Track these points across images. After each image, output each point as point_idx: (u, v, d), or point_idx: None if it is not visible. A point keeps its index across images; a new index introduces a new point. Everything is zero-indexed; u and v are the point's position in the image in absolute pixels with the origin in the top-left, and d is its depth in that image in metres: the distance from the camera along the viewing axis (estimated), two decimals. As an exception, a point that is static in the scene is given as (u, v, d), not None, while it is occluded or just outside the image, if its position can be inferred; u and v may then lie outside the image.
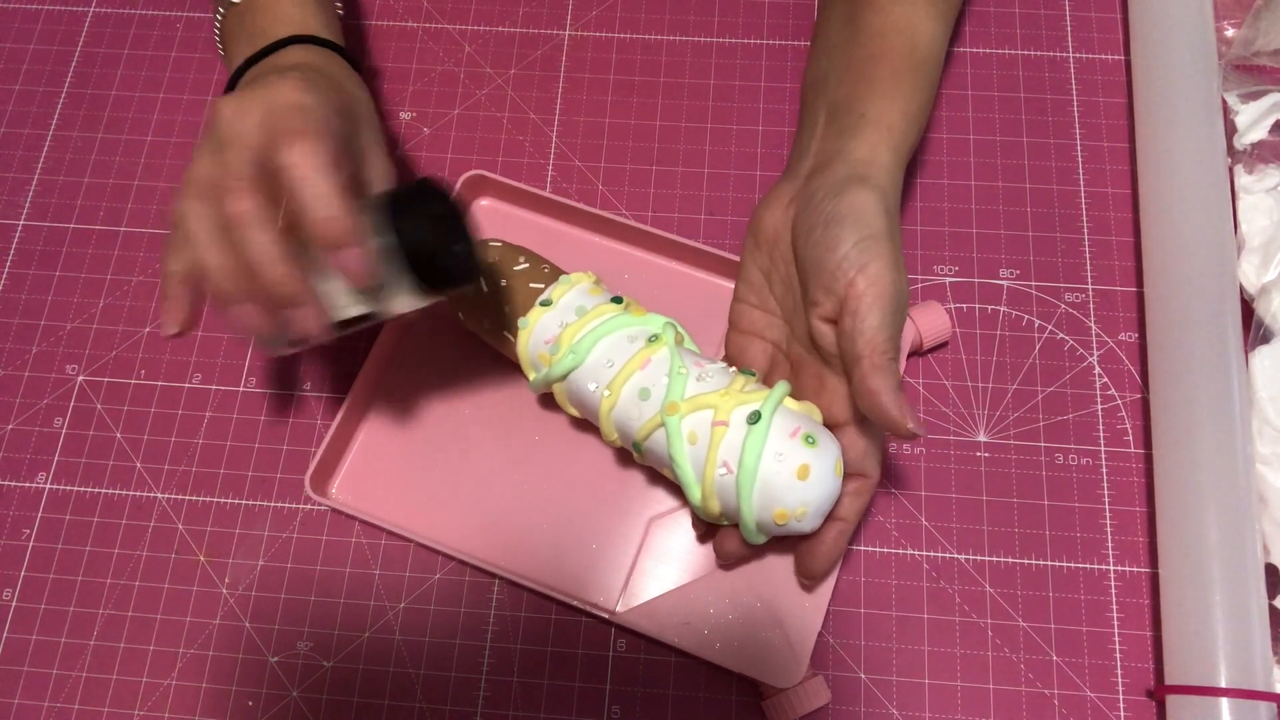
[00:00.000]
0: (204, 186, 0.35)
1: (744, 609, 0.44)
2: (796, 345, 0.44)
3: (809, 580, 0.43)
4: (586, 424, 0.47)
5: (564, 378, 0.43)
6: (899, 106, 0.43)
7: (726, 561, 0.43)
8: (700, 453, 0.40)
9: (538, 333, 0.43)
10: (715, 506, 0.40)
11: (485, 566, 0.45)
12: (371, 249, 0.35)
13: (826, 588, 0.44)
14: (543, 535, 0.47)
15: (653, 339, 0.42)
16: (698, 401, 0.40)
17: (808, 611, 0.43)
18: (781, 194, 0.44)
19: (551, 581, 0.46)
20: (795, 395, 0.42)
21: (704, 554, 0.46)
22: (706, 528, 0.44)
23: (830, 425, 0.41)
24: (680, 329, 0.44)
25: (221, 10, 0.46)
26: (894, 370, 0.39)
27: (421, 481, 0.48)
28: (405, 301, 0.38)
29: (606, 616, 0.44)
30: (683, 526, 0.47)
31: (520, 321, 0.44)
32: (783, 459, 0.38)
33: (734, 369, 0.42)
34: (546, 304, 0.44)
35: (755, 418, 0.39)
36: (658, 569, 0.46)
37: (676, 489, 0.47)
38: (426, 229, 0.36)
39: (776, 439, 0.39)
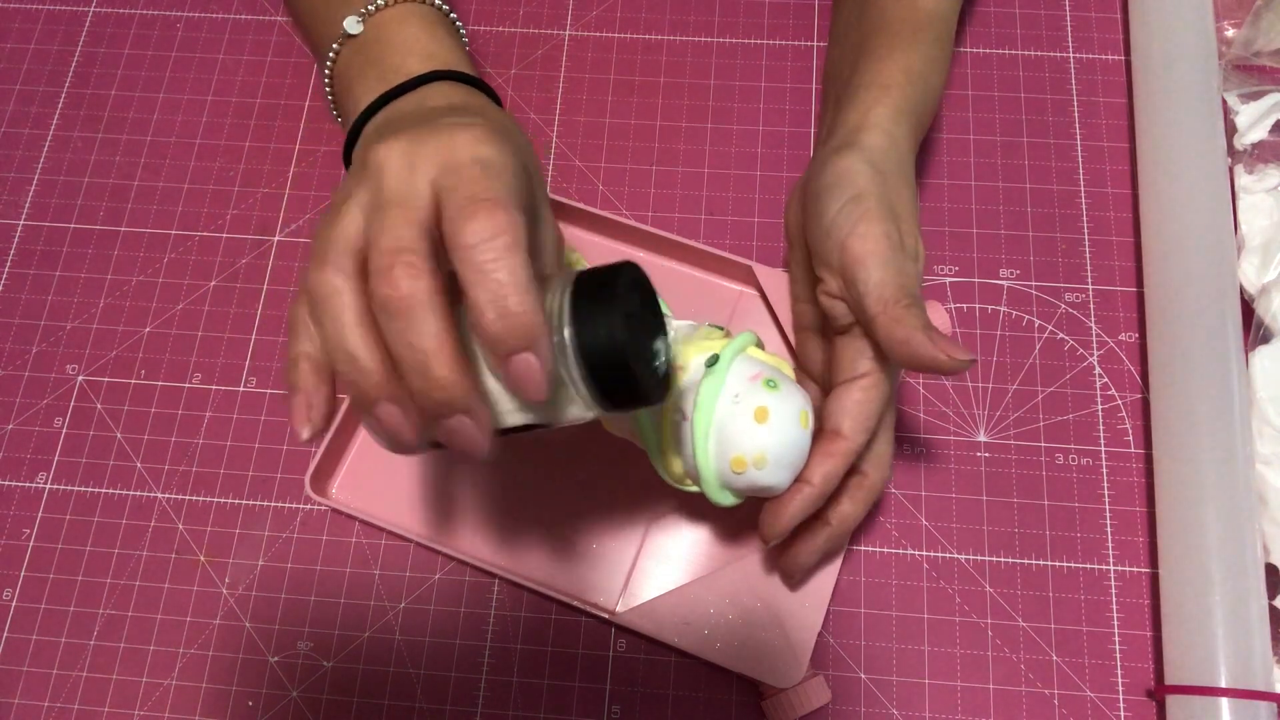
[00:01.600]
0: (353, 253, 0.29)
1: (744, 609, 0.44)
2: None
3: (766, 541, 0.39)
4: (587, 422, 0.47)
5: None
6: (897, 64, 0.41)
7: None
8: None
9: None
10: (676, 464, 0.39)
11: (485, 566, 0.45)
12: (552, 355, 0.28)
13: (826, 587, 0.44)
14: (543, 535, 0.47)
15: None
16: None
17: (808, 611, 0.43)
18: (796, 185, 0.44)
19: (551, 581, 0.46)
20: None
21: (704, 554, 0.46)
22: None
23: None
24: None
25: (337, 45, 0.40)
26: (916, 314, 0.35)
27: (421, 481, 0.48)
28: (576, 413, 0.31)
29: (606, 617, 0.44)
30: (683, 526, 0.47)
31: None
32: (739, 400, 0.36)
33: (706, 324, 0.40)
34: None
35: (713, 360, 0.37)
36: (658, 569, 0.46)
37: (675, 489, 0.47)
38: (618, 332, 0.28)
39: (735, 382, 0.37)
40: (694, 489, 0.40)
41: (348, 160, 0.38)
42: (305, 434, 0.30)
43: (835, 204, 0.38)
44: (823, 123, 0.46)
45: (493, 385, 0.31)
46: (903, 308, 0.36)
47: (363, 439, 0.49)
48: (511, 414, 0.31)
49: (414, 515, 0.47)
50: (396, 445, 0.30)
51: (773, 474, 0.37)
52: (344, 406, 0.47)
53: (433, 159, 0.29)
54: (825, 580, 0.44)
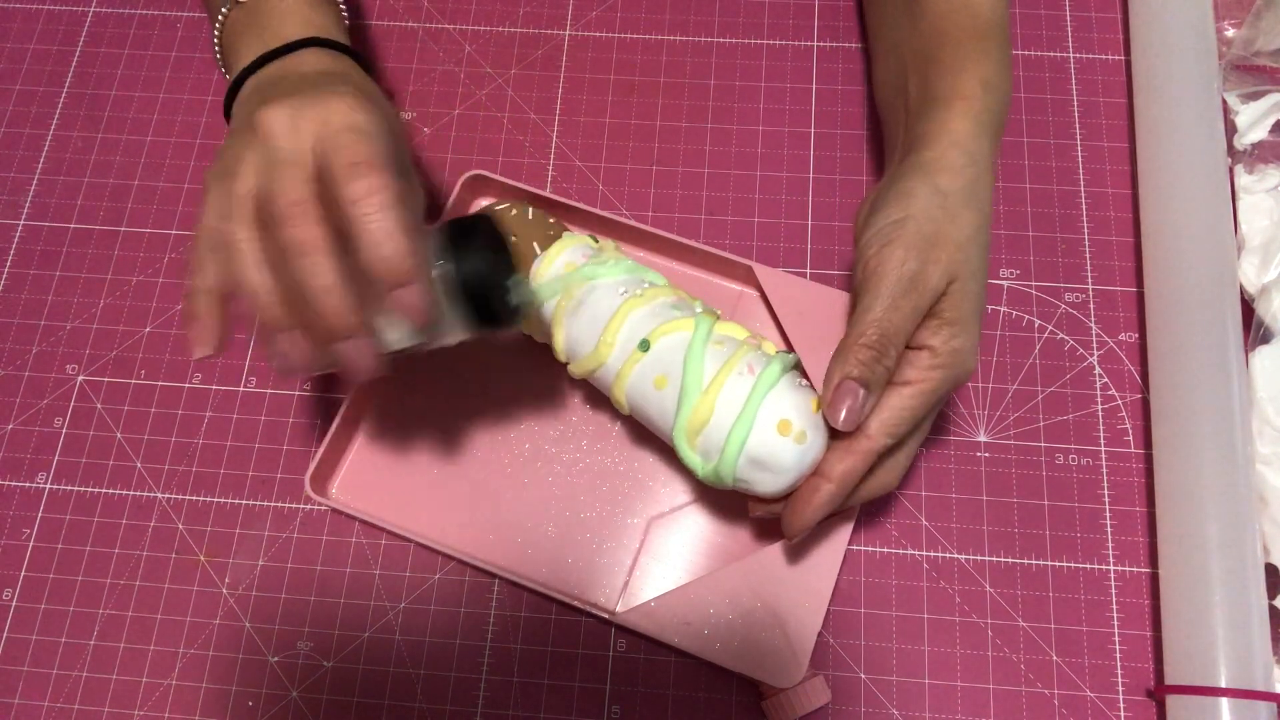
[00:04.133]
0: (251, 206, 0.34)
1: (744, 609, 0.44)
2: None
3: (790, 537, 0.40)
4: (586, 423, 0.47)
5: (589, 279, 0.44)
6: (973, 75, 0.41)
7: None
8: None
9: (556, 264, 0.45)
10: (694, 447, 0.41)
11: (485, 566, 0.45)
12: (431, 286, 0.34)
13: (826, 588, 0.44)
14: (543, 535, 0.47)
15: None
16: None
17: (808, 612, 0.43)
18: (869, 193, 0.43)
19: (551, 581, 0.46)
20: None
21: (704, 554, 0.46)
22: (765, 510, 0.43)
23: None
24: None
25: (225, 9, 0.44)
26: (857, 360, 0.37)
27: (421, 481, 0.48)
28: (454, 335, 0.38)
29: (606, 617, 0.44)
30: (683, 526, 0.47)
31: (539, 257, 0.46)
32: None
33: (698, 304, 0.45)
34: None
35: (645, 345, 0.42)
36: (658, 569, 0.46)
37: (677, 488, 0.47)
38: (486, 264, 0.36)
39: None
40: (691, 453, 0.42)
41: (228, 111, 0.42)
42: (202, 352, 0.35)
43: (881, 221, 0.39)
44: (890, 133, 0.46)
45: (382, 318, 0.36)
46: (857, 346, 0.38)
47: (363, 439, 0.49)
48: (399, 340, 0.37)
49: (414, 515, 0.47)
50: (292, 368, 0.35)
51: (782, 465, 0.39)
52: (344, 406, 0.47)
53: (312, 125, 0.34)
54: (825, 580, 0.44)
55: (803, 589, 0.44)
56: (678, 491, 0.48)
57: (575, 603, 0.44)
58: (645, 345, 0.42)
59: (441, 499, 0.48)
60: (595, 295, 0.44)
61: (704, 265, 0.51)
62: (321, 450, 0.46)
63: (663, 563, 0.46)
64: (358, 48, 0.44)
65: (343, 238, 0.33)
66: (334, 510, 0.48)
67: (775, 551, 0.44)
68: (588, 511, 0.47)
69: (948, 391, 0.40)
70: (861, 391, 0.38)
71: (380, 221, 0.32)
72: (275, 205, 0.33)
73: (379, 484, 0.48)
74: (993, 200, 0.42)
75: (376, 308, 0.34)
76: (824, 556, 0.44)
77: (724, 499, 0.47)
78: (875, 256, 0.38)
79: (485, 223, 0.37)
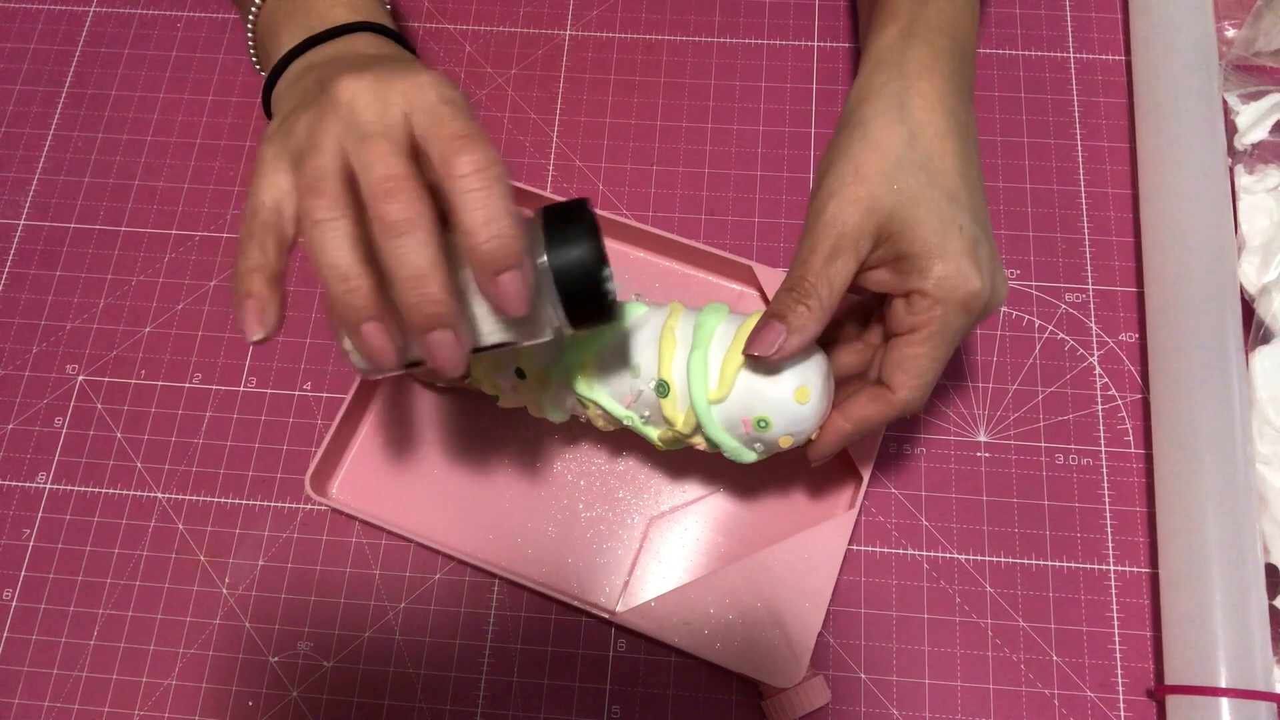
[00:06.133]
0: (337, 182, 0.30)
1: (744, 609, 0.44)
2: None
3: (812, 461, 0.41)
4: (587, 423, 0.47)
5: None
6: None
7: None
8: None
9: None
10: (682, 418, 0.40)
11: (486, 566, 0.45)
12: (533, 273, 0.31)
13: (826, 588, 0.44)
14: (543, 535, 0.47)
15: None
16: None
17: (808, 612, 0.43)
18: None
19: (551, 581, 0.46)
20: None
21: (704, 554, 0.46)
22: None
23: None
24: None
25: None
26: (776, 302, 0.37)
27: (421, 481, 0.48)
28: (545, 331, 0.34)
29: (607, 616, 0.44)
30: (683, 526, 0.47)
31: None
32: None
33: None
34: None
35: (664, 388, 0.40)
36: (658, 569, 0.46)
37: (677, 488, 0.47)
38: (590, 253, 0.32)
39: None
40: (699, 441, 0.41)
41: (266, 100, 0.40)
42: (259, 336, 0.31)
43: (818, 178, 0.39)
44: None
45: (476, 310, 0.33)
46: (777, 293, 0.37)
47: (363, 439, 0.49)
48: (489, 334, 0.34)
49: (414, 515, 0.47)
50: (377, 363, 0.31)
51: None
52: (344, 406, 0.47)
53: (402, 97, 0.31)
54: (825, 581, 0.44)
55: (803, 589, 0.44)
56: (678, 491, 0.48)
57: (575, 603, 0.44)
58: (663, 388, 0.40)
59: (441, 499, 0.48)
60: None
61: (704, 265, 0.51)
62: (322, 450, 0.46)
63: (663, 563, 0.46)
64: None
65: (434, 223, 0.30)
66: (334, 510, 0.48)
67: (775, 552, 0.44)
68: (588, 512, 0.47)
69: (964, 324, 0.37)
70: (778, 324, 0.36)
71: (489, 199, 0.29)
72: (368, 180, 0.30)
73: (379, 484, 0.48)
74: (963, 95, 0.39)
75: (466, 300, 0.32)
76: (824, 557, 0.44)
77: (725, 498, 0.47)
78: (807, 214, 0.37)
79: (584, 208, 0.33)
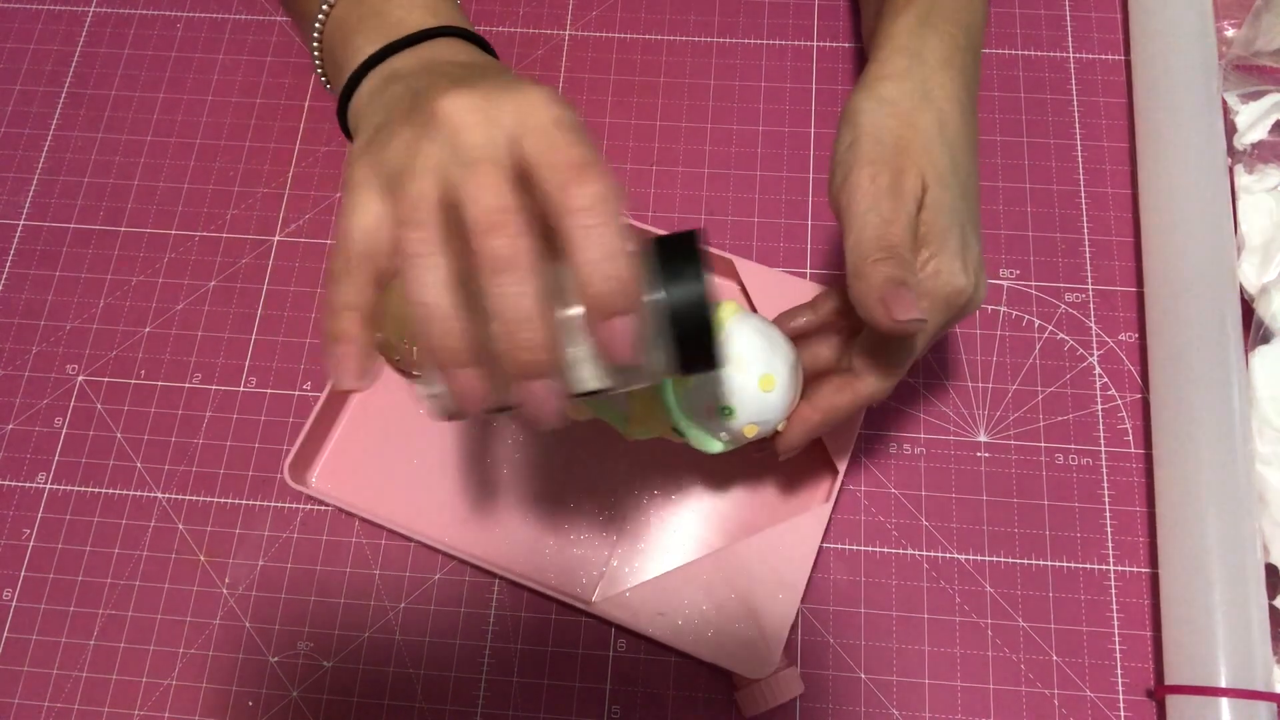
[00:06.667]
0: (436, 211, 0.28)
1: (718, 600, 0.44)
2: None
3: (779, 454, 0.40)
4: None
5: None
6: None
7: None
8: None
9: None
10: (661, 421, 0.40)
11: (461, 555, 0.45)
12: (646, 317, 0.28)
13: (800, 580, 0.44)
14: (522, 524, 0.47)
15: None
16: None
17: (781, 604, 0.43)
18: None
19: (528, 571, 0.46)
20: None
21: (682, 545, 0.47)
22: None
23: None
24: None
25: (329, 3, 0.38)
26: (882, 271, 0.34)
27: (399, 470, 0.48)
28: (648, 376, 0.32)
29: (582, 606, 0.44)
30: (661, 518, 0.47)
31: None
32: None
33: None
34: None
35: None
36: (635, 560, 0.46)
37: (657, 479, 0.47)
38: (702, 294, 0.29)
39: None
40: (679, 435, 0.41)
41: (343, 115, 0.37)
42: (351, 385, 0.29)
43: (838, 153, 0.37)
44: None
45: (577, 352, 0.30)
46: (870, 264, 0.34)
47: (343, 429, 0.49)
48: (588, 379, 0.31)
49: (390, 503, 0.47)
50: (463, 410, 0.29)
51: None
52: (323, 395, 0.47)
53: (513, 117, 0.28)
54: (799, 573, 0.44)
55: (777, 581, 0.44)
56: (657, 483, 0.48)
57: (551, 592, 0.45)
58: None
59: (420, 488, 0.48)
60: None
61: (704, 265, 0.51)
62: (300, 439, 0.46)
63: (641, 554, 0.46)
64: None
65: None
66: (335, 510, 0.48)
67: (750, 544, 0.44)
68: (566, 502, 0.48)
69: (942, 321, 0.36)
70: (906, 291, 0.34)
71: (606, 237, 0.27)
72: (473, 213, 0.27)
73: (358, 474, 0.48)
74: (972, 95, 0.39)
75: (567, 340, 0.29)
76: (799, 550, 0.44)
77: (703, 490, 0.47)
78: (840, 190, 0.36)
79: (696, 242, 0.30)
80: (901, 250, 0.34)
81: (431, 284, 0.27)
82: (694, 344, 0.30)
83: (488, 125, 0.28)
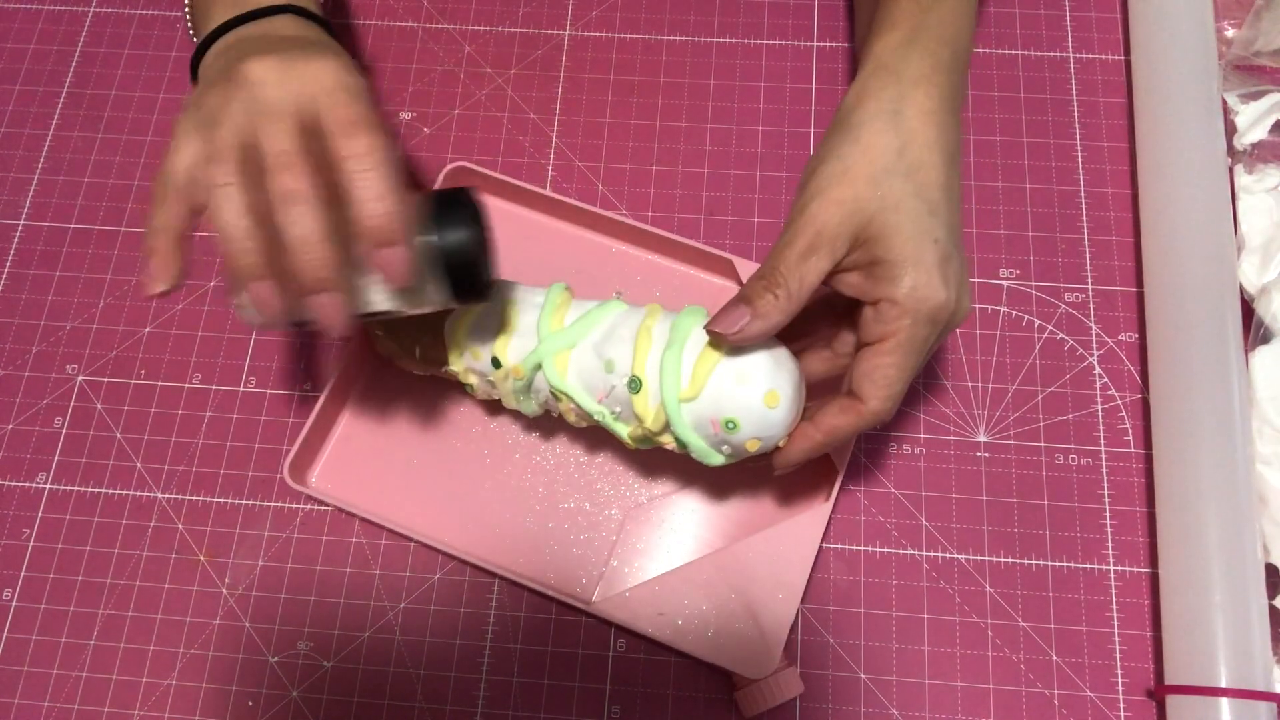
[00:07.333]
0: (235, 153, 0.33)
1: (718, 600, 0.44)
2: None
3: (776, 469, 0.41)
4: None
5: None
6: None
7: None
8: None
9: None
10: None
11: (462, 555, 0.45)
12: (414, 250, 0.35)
13: (800, 580, 0.44)
14: (521, 525, 0.47)
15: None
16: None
17: (781, 604, 0.43)
18: None
19: (528, 571, 0.46)
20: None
21: (681, 546, 0.46)
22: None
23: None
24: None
25: None
26: (747, 287, 0.37)
27: (399, 471, 0.48)
28: (429, 303, 0.38)
29: (582, 606, 0.44)
30: (660, 518, 0.47)
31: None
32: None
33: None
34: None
35: (636, 383, 0.41)
36: (635, 560, 0.46)
37: (655, 480, 0.47)
38: (469, 237, 0.37)
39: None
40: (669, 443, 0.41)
41: (194, 70, 0.42)
42: (160, 288, 0.35)
43: (804, 177, 0.39)
44: None
45: (363, 278, 0.37)
46: (759, 280, 0.38)
47: (341, 430, 0.49)
48: (376, 303, 0.37)
49: (390, 504, 0.47)
50: (265, 318, 0.34)
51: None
52: (323, 395, 0.47)
53: (301, 81, 0.34)
54: (799, 573, 0.44)
55: (777, 581, 0.44)
56: (657, 484, 0.48)
57: (551, 592, 0.45)
58: (636, 384, 0.40)
59: (419, 488, 0.48)
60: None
61: (685, 259, 0.51)
62: (300, 439, 0.46)
63: (640, 554, 0.46)
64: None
65: (326, 195, 0.33)
66: (335, 510, 0.48)
67: (750, 544, 0.44)
68: (566, 503, 0.48)
69: (929, 336, 0.37)
70: (744, 307, 0.37)
71: (374, 179, 0.33)
72: (263, 154, 0.33)
73: (357, 474, 0.48)
74: (953, 108, 0.39)
75: (356, 268, 0.35)
76: (798, 550, 0.44)
77: (702, 491, 0.47)
78: (791, 207, 0.38)
79: (469, 196, 0.38)
80: (781, 275, 0.37)
81: (230, 209, 0.33)
82: (462, 276, 0.37)
83: (283, 84, 0.34)
